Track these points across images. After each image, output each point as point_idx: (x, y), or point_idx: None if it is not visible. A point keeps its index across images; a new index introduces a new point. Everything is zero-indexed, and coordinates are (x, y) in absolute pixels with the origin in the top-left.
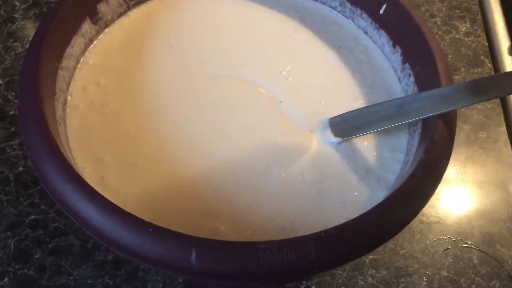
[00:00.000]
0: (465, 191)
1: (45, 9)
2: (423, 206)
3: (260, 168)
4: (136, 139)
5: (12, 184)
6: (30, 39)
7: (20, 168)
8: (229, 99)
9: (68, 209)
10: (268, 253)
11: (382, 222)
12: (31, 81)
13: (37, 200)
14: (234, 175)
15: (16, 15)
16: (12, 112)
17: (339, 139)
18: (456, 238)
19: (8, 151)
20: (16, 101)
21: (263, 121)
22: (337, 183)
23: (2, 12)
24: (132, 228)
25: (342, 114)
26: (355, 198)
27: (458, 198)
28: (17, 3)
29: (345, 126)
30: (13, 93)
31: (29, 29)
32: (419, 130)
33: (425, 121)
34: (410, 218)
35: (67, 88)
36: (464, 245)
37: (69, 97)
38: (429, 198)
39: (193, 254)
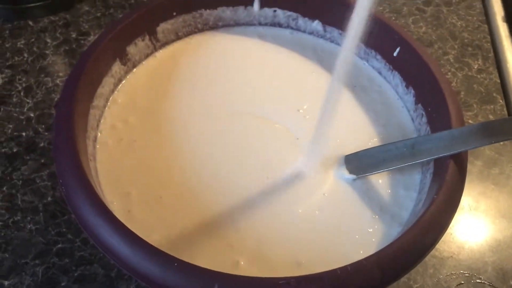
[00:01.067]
0: (478, 226)
1: (74, 46)
2: (436, 243)
3: (279, 203)
4: (162, 174)
5: (41, 214)
6: (60, 74)
7: (49, 198)
8: (249, 136)
9: (99, 242)
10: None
11: (396, 259)
12: (66, 122)
13: (64, 230)
14: (254, 210)
15: (47, 51)
16: (42, 144)
17: (354, 176)
18: (469, 274)
19: (38, 181)
20: (46, 133)
21: (282, 157)
22: (352, 219)
23: (35, 48)
24: (157, 262)
25: (357, 152)
26: (370, 235)
27: (471, 233)
28: (49, 40)
29: (360, 164)
30: (43, 126)
31: (59, 64)
32: (431, 170)
33: (437, 161)
34: (424, 255)
35: (97, 126)
36: (477, 281)
37: (99, 134)
38: (442, 235)
39: None
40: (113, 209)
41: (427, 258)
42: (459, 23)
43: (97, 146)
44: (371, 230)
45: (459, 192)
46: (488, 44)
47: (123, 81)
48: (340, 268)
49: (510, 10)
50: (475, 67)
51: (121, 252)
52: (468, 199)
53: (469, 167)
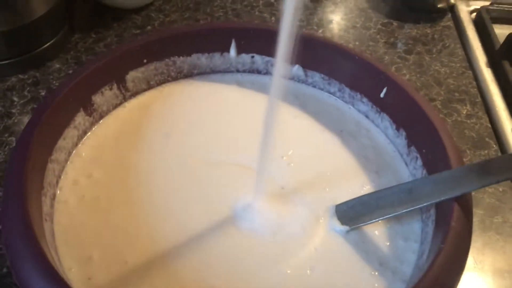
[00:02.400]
0: (485, 281)
1: None
2: None
3: (265, 264)
4: (128, 236)
5: None
6: None
7: (4, 270)
8: (229, 188)
9: None
10: None
11: None
12: (17, 175)
13: None
14: (237, 273)
15: (13, 110)
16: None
17: (347, 228)
18: None
19: None
20: None
21: (267, 209)
22: (348, 277)
23: (0, 107)
24: None
25: (348, 200)
26: None
27: None
28: (16, 99)
29: (352, 214)
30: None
31: (25, 123)
32: (433, 217)
33: (438, 207)
34: None
35: (57, 182)
36: None
37: (58, 191)
38: None
39: None
40: (71, 277)
41: None
42: (443, 69)
43: (56, 205)
44: None
45: (468, 238)
46: (475, 89)
47: (88, 133)
48: None
49: (491, 56)
50: (464, 112)
51: None
52: (473, 251)
53: None
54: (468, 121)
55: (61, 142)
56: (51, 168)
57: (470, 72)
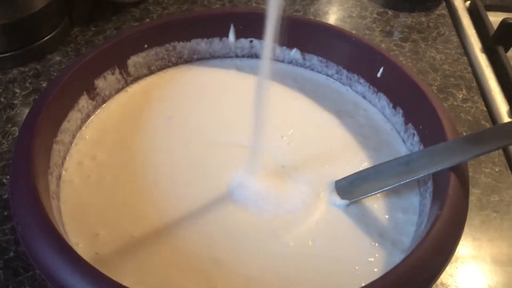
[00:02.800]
0: (484, 259)
1: None
2: (445, 266)
3: (268, 236)
4: (134, 212)
5: (1, 271)
6: None
7: (11, 254)
8: (229, 166)
9: (59, 285)
10: None
11: (404, 284)
12: (24, 154)
13: (27, 287)
14: (240, 245)
15: (15, 101)
16: (5, 196)
17: (347, 202)
18: None
19: None
20: None
21: (268, 186)
22: (349, 249)
23: (2, 99)
24: None
25: (348, 176)
26: (370, 264)
27: (478, 266)
28: (17, 90)
29: (352, 188)
30: (7, 177)
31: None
32: (431, 189)
33: (435, 179)
34: (431, 281)
35: (62, 163)
36: None
37: (64, 172)
38: (451, 257)
39: None
40: (78, 252)
41: None
42: (438, 56)
43: (62, 185)
44: (371, 259)
45: (465, 206)
46: (470, 74)
47: (92, 117)
48: None
49: (486, 42)
50: (460, 97)
51: None
52: (471, 229)
53: None
54: (464, 105)
55: (65, 124)
56: (56, 149)
57: (465, 58)
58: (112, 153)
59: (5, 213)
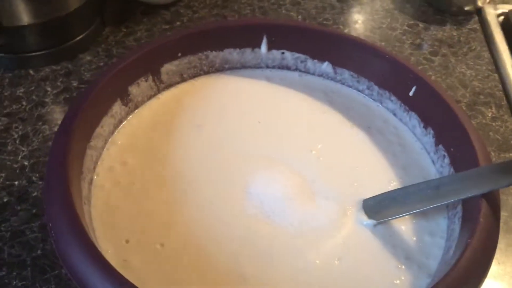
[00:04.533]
0: (509, 283)
1: (75, 94)
2: None
3: (294, 254)
4: (164, 220)
5: (28, 268)
6: (59, 122)
7: (39, 252)
8: (259, 178)
9: None
10: None
11: None
12: (60, 160)
13: (53, 286)
14: (265, 260)
15: (47, 100)
16: (35, 194)
17: (374, 222)
18: None
19: (28, 233)
20: (40, 182)
21: (296, 202)
22: (375, 269)
23: (34, 97)
24: None
25: (376, 195)
26: (396, 287)
27: None
28: (49, 89)
29: (380, 208)
30: (37, 175)
31: (58, 113)
32: (460, 214)
33: (465, 204)
34: None
35: (94, 168)
36: None
37: (95, 176)
38: (481, 285)
39: None
40: (107, 258)
41: None
42: (468, 72)
43: (93, 190)
44: (397, 281)
45: (496, 235)
46: (500, 92)
47: (124, 122)
48: None
49: None
50: (489, 115)
51: None
52: (496, 253)
53: None
54: (493, 123)
55: (99, 130)
56: (89, 154)
57: (496, 75)
58: (142, 159)
59: (34, 211)
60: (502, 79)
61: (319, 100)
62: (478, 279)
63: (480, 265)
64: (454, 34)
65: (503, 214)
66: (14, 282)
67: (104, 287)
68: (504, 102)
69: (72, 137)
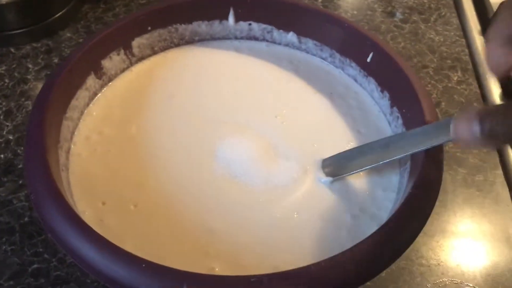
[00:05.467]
0: (464, 233)
1: None
2: (415, 238)
3: (257, 208)
4: (137, 183)
5: (17, 234)
6: None
7: (26, 219)
8: (227, 142)
9: (66, 247)
10: (259, 286)
11: (371, 254)
12: (37, 130)
13: (40, 250)
14: (231, 215)
15: (28, 76)
16: (20, 166)
17: (331, 179)
18: (458, 281)
19: (15, 202)
20: None
21: (260, 162)
22: (331, 221)
23: (16, 74)
24: (125, 263)
25: (333, 155)
26: (349, 236)
27: (458, 240)
28: (30, 66)
29: (336, 167)
30: (22, 148)
31: (40, 89)
32: (408, 169)
33: (413, 160)
34: (400, 250)
35: (71, 138)
36: (466, 287)
37: (72, 146)
38: (420, 230)
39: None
40: (84, 219)
41: (414, 267)
42: (437, 38)
43: (70, 158)
44: (350, 231)
45: (436, 185)
46: (467, 56)
47: (99, 95)
48: (314, 264)
49: (485, 24)
50: (455, 79)
51: (88, 255)
52: (453, 206)
53: (453, 174)
54: (458, 87)
55: (74, 102)
56: (66, 125)
57: (463, 40)
58: (117, 129)
59: (20, 182)
60: (468, 44)
61: (285, 69)
62: (418, 222)
63: (420, 210)
64: (425, 1)
65: (462, 171)
66: (4, 247)
67: (81, 244)
68: (470, 66)
69: (47, 109)
